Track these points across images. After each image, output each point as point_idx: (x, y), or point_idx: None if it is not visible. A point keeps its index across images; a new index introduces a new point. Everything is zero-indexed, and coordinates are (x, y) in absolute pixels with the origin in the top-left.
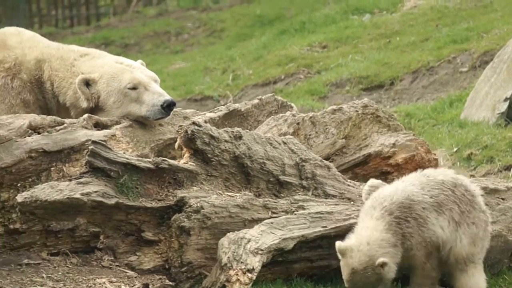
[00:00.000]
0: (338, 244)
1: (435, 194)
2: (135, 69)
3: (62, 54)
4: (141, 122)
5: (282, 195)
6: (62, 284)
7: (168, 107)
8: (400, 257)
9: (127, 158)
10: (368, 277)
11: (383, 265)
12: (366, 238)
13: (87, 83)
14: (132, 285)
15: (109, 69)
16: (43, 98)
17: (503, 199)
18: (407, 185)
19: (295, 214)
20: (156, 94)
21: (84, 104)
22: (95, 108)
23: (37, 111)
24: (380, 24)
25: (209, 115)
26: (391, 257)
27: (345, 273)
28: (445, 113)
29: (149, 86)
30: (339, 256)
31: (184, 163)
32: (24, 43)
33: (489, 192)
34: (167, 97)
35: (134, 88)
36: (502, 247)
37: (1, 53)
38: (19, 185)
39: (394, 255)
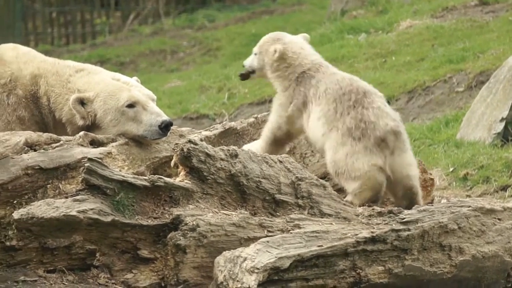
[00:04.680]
0: None
1: None
2: (132, 87)
3: (58, 69)
4: (137, 140)
5: (278, 214)
6: None
7: (165, 127)
8: None
9: (123, 176)
10: None
11: None
12: None
13: (82, 102)
14: None
15: (106, 86)
16: (39, 113)
17: (499, 219)
18: None
19: (291, 233)
20: (154, 114)
21: (80, 122)
22: (92, 126)
23: (33, 127)
24: (375, 44)
25: (205, 133)
26: None
27: None
28: (441, 133)
29: (147, 105)
30: None
31: (180, 181)
32: (20, 58)
33: (485, 212)
34: (165, 117)
35: (131, 106)
36: (499, 267)
37: None
38: (15, 202)
39: None
